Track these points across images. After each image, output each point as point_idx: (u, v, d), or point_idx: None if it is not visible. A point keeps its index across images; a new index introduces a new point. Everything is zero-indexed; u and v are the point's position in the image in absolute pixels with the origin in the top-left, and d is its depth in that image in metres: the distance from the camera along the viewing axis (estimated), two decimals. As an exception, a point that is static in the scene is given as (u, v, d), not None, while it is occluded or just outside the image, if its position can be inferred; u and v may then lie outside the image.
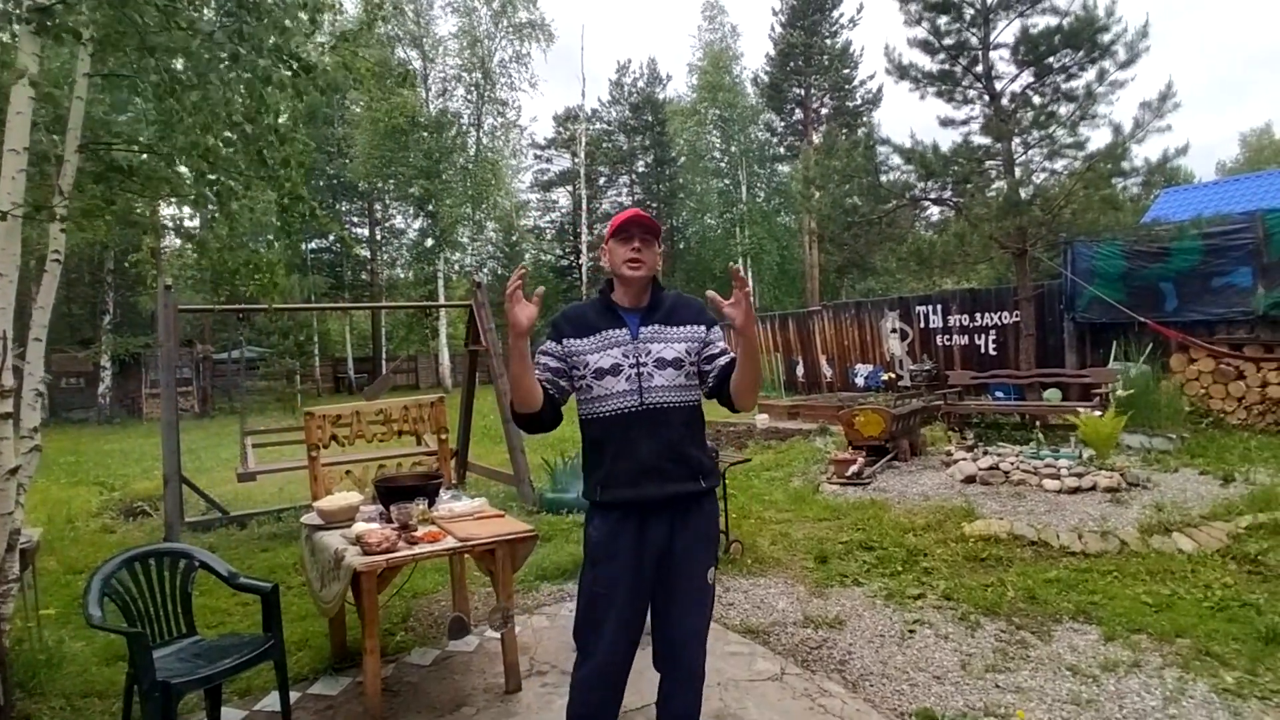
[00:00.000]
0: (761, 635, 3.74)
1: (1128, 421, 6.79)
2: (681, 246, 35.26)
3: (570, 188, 38.09)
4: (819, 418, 11.15)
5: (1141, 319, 8.97)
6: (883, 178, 9.86)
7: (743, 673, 3.28)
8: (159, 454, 6.26)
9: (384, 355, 29.61)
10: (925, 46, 9.38)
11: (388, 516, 3.08)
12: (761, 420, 11.83)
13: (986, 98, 9.31)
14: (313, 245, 30.51)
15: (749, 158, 28.22)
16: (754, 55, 61.44)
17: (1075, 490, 5.89)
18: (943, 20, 9.16)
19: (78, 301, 24.40)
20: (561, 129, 38.70)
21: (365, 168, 25.41)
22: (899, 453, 7.61)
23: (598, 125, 37.95)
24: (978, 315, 11.91)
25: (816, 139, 27.61)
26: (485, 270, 32.97)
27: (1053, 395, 9.06)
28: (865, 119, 27.59)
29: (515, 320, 1.98)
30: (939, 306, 12.52)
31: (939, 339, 12.53)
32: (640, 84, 37.84)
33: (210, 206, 4.55)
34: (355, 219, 32.74)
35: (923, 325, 12.80)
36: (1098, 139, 8.68)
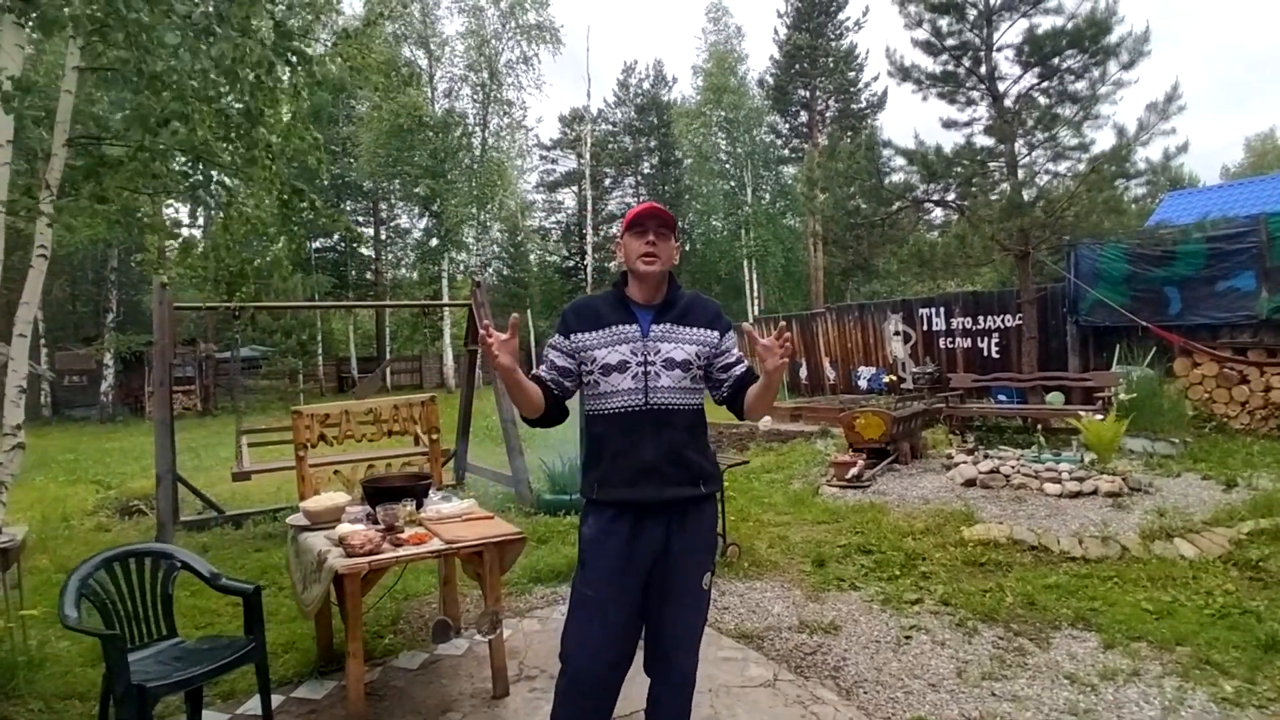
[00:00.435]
0: (755, 640, 3.69)
1: (1130, 425, 6.72)
2: (687, 248, 35.20)
3: (575, 189, 38.09)
4: (821, 420, 11.09)
5: (1144, 323, 8.88)
6: (885, 180, 9.79)
7: (735, 679, 3.23)
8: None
9: (388, 355, 29.60)
10: (927, 48, 9.31)
11: (375, 518, 3.03)
12: (764, 422, 11.76)
13: (990, 99, 9.24)
14: (317, 244, 30.53)
15: (754, 160, 28.12)
16: (759, 57, 61.52)
17: (1076, 495, 5.83)
18: (944, 22, 9.09)
19: (82, 299, 24.46)
20: (567, 130, 38.73)
21: (371, 167, 25.40)
22: (900, 455, 7.54)
23: (603, 126, 37.95)
24: (980, 318, 11.83)
25: (822, 141, 27.56)
26: (490, 270, 32.98)
27: (1055, 399, 8.98)
28: (870, 121, 27.55)
29: (501, 366, 1.97)
30: (942, 309, 12.44)
31: (942, 341, 12.45)
32: (646, 85, 37.89)
33: (209, 202, 4.51)
34: (360, 218, 32.73)
35: (925, 328, 12.72)
36: (1102, 140, 8.70)
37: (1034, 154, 9.16)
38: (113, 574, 2.77)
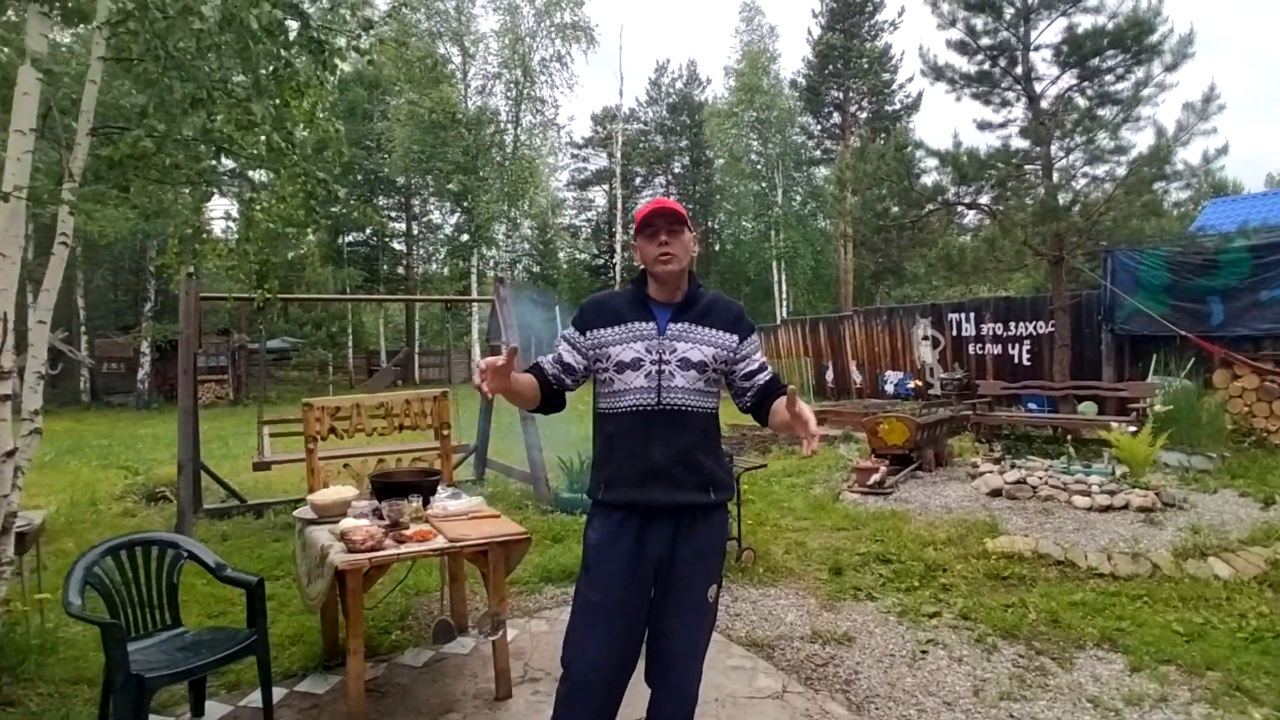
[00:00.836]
0: (766, 649, 3.61)
1: (1166, 439, 6.49)
2: (717, 249, 35.05)
3: (606, 187, 38.12)
4: (846, 424, 10.92)
5: (1184, 333, 8.59)
6: (916, 182, 9.59)
7: (742, 689, 3.15)
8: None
9: (417, 348, 29.89)
10: (961, 48, 9.11)
11: (380, 513, 3.00)
12: (787, 425, 11.62)
13: (1026, 100, 9.01)
14: (349, 238, 30.95)
15: (785, 161, 27.88)
16: (792, 57, 60.99)
17: (1106, 509, 5.63)
18: (980, 21, 8.88)
19: (121, 289, 25.09)
20: (599, 128, 38.77)
21: (404, 162, 25.66)
22: (923, 463, 7.38)
23: (635, 125, 37.94)
24: (1012, 324, 11.57)
25: (854, 143, 27.22)
26: (520, 267, 33.14)
27: (1088, 409, 8.73)
28: (903, 123, 27.12)
29: (498, 389, 1.94)
30: (972, 314, 12.20)
31: (971, 347, 12.21)
32: (679, 85, 37.79)
33: (234, 194, 4.53)
34: (393, 213, 33.09)
35: (955, 333, 12.48)
36: (1141, 143, 8.39)
37: (1071, 157, 8.92)
38: (119, 562, 2.78)
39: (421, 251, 33.85)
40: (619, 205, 31.02)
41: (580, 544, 5.38)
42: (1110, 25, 8.32)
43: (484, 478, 7.65)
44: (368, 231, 30.62)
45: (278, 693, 3.05)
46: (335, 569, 2.58)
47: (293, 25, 4.03)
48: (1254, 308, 8.46)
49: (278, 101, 3.87)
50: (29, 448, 3.32)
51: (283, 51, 3.91)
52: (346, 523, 2.78)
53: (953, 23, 9.03)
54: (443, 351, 29.89)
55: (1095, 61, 8.50)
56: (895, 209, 10.03)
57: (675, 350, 2.05)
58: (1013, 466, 6.79)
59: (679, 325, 2.09)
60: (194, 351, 6.04)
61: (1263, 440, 7.73)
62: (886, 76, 29.90)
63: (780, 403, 2.04)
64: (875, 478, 6.78)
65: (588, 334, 2.12)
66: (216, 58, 3.57)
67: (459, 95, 25.32)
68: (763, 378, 2.12)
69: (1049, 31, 8.86)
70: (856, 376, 14.94)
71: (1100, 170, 8.79)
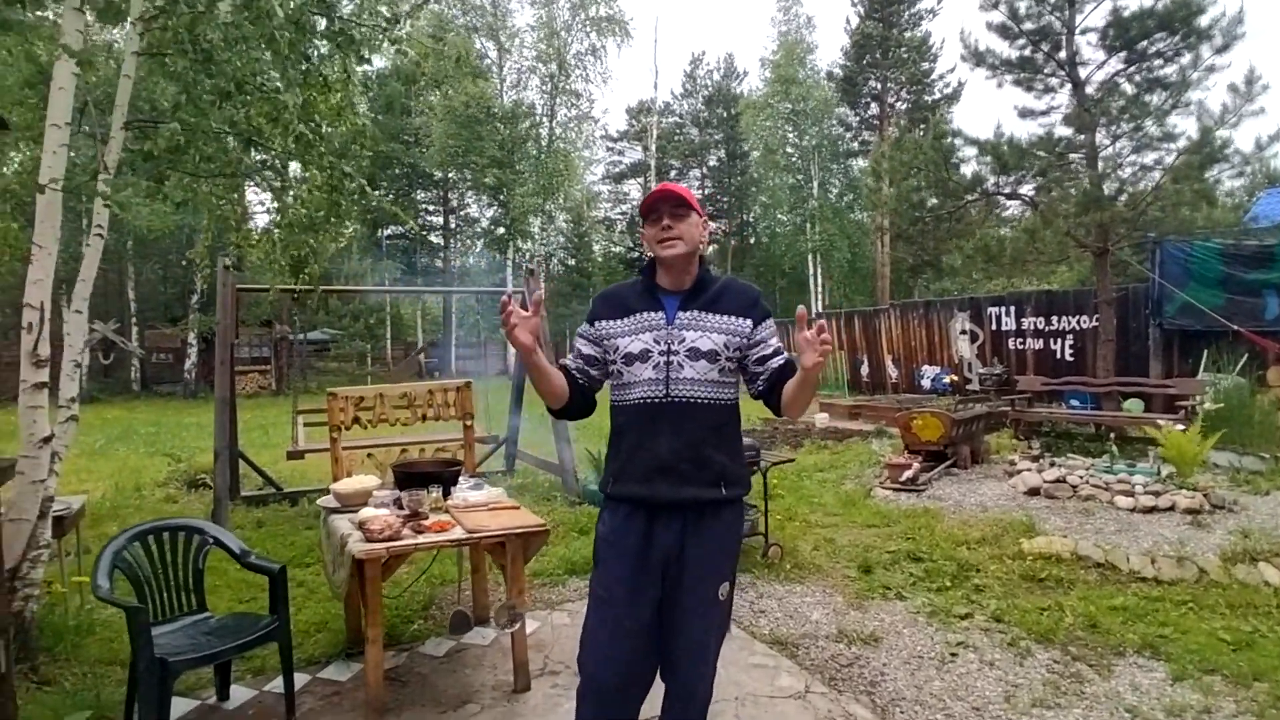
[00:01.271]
0: (790, 648, 3.54)
1: (1217, 438, 6.23)
2: (752, 241, 34.73)
3: (641, 180, 38.04)
4: (880, 419, 10.74)
5: (1236, 328, 8.25)
6: (954, 172, 9.35)
7: (764, 687, 3.09)
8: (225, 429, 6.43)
9: (453, 340, 30.23)
10: (1003, 31, 8.82)
11: (401, 502, 3.01)
12: (821, 419, 11.49)
13: (1070, 86, 8.70)
14: (388, 232, 31.38)
15: (821, 153, 27.47)
16: (830, 48, 59.92)
17: (1151, 510, 5.43)
18: (1023, 4, 8.58)
19: (170, 281, 25.80)
20: (634, 122, 38.69)
21: (440, 157, 25.91)
22: (959, 459, 7.21)
23: (670, 118, 37.78)
24: (1054, 318, 11.23)
25: (891, 134, 26.70)
26: (555, 260, 33.25)
27: (1133, 406, 8.44)
28: (942, 113, 26.52)
29: (519, 343, 1.89)
30: (1012, 308, 11.87)
31: (1011, 342, 11.90)
32: (716, 77, 37.53)
33: (264, 184, 4.61)
34: (431, 207, 33.48)
35: (994, 327, 12.17)
36: (1190, 128, 8.05)
37: (1117, 144, 8.60)
38: (146, 547, 2.83)
39: (459, 245, 34.20)
40: (653, 199, 30.92)
41: (604, 537, 5.37)
42: (1159, 7, 7.98)
43: (514, 469, 7.69)
44: (407, 225, 31.03)
45: (301, 678, 3.09)
46: (353, 558, 2.59)
47: (321, 21, 4.07)
48: (1313, 302, 8.09)
49: (306, 95, 3.90)
50: (65, 434, 3.41)
51: (311, 45, 3.94)
52: (365, 512, 2.80)
53: (995, 5, 8.76)
54: (479, 343, 30.18)
55: (1143, 45, 8.17)
56: (933, 200, 9.79)
57: (684, 340, 2.00)
58: (1052, 464, 6.59)
59: (688, 314, 2.03)
60: (231, 342, 6.16)
61: (1320, 440, 7.38)
62: (926, 66, 29.25)
63: (793, 378, 1.97)
64: (908, 474, 6.64)
65: (596, 325, 2.09)
66: (245, 49, 3.61)
67: (494, 90, 25.47)
68: (777, 362, 2.03)
69: (1094, 15, 8.55)
70: (892, 371, 14.67)
71: (1148, 158, 8.46)
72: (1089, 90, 8.66)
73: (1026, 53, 8.83)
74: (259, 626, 2.74)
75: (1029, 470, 6.46)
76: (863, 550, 4.96)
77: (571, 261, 35.74)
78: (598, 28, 25.84)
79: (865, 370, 15.43)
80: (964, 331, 12.69)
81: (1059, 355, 11.09)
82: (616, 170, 39.76)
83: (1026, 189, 9.22)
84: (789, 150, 27.71)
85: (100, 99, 3.87)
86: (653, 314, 2.04)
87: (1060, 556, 4.59)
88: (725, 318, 2.03)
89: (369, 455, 3.90)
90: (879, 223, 23.47)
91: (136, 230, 18.26)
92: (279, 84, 3.73)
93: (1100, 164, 8.54)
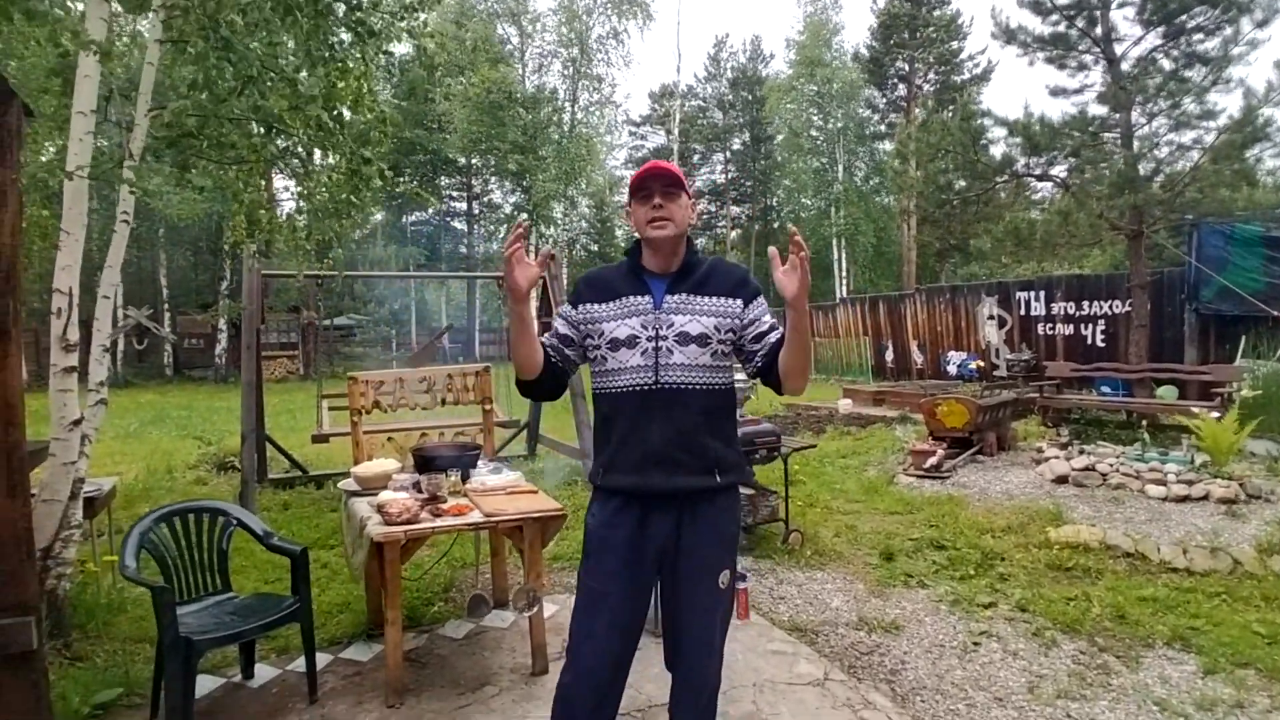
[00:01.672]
0: (809, 635, 3.52)
1: (1254, 426, 6.06)
2: (776, 226, 34.41)
3: (664, 165, 37.80)
4: (905, 405, 10.62)
5: (1277, 313, 8.00)
6: (983, 153, 9.13)
7: (782, 674, 3.08)
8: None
9: (477, 325, 30.42)
10: (1035, 7, 8.56)
11: (420, 486, 3.03)
12: (844, 405, 11.40)
13: (1104, 63, 8.45)
14: (412, 218, 31.57)
15: (847, 135, 27.09)
16: (857, 29, 58.99)
17: (1183, 499, 5.30)
18: (1057, -22, 8.35)
19: (201, 268, 26.25)
20: (656, 106, 38.42)
21: (463, 142, 25.95)
22: (984, 446, 7.10)
23: (693, 102, 37.44)
24: (1085, 303, 10.99)
25: (918, 115, 26.22)
26: (578, 245, 33.24)
27: (1167, 393, 8.24)
28: (970, 94, 25.95)
29: (514, 283, 1.83)
30: (1041, 293, 11.64)
31: (1040, 327, 11.68)
32: (741, 59, 37.07)
33: (288, 171, 4.63)
34: (454, 194, 33.59)
35: (1023, 312, 11.96)
36: (1231, 106, 7.75)
37: (1153, 123, 8.34)
38: (172, 528, 2.88)
39: (482, 230, 34.30)
40: (677, 183, 30.76)
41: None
42: (1201, -21, 7.71)
43: (536, 453, 7.72)
44: (430, 211, 31.20)
45: (323, 658, 3.13)
46: (372, 541, 2.61)
47: (340, 7, 4.07)
48: (1359, 286, 7.82)
49: (326, 80, 3.90)
50: (95, 417, 3.47)
51: (329, 32, 3.94)
52: (384, 495, 2.81)
53: (1027, -21, 8.53)
54: (503, 328, 30.32)
55: (1181, 19, 7.89)
56: (961, 182, 9.59)
57: (673, 324, 1.93)
58: (1081, 452, 6.47)
59: (676, 297, 1.96)
60: (257, 328, 6.24)
61: (1363, 429, 7.16)
62: (955, 45, 28.64)
63: (783, 347, 1.90)
64: (932, 461, 6.56)
65: (580, 308, 2.01)
66: (266, 34, 3.62)
67: (516, 75, 25.42)
68: (774, 337, 1.96)
69: (1132, -12, 8.28)
70: (917, 357, 14.50)
71: (1186, 137, 8.18)
72: (1124, 67, 8.40)
73: (1060, 28, 8.58)
74: (281, 607, 2.78)
75: (1057, 458, 6.35)
76: (885, 537, 4.92)
77: (595, 246, 35.72)
78: (619, 10, 25.62)
79: (890, 356, 15.27)
80: (991, 317, 12.49)
81: (1089, 341, 10.87)
82: (639, 155, 39.51)
83: (1058, 170, 8.99)
84: (814, 133, 27.36)
85: (125, 87, 3.90)
86: (639, 298, 1.96)
87: (1088, 546, 4.51)
88: (714, 299, 1.97)
89: (389, 439, 3.93)
90: (905, 206, 23.09)
91: (168, 218, 18.56)
92: (301, 63, 3.74)
93: (1135, 144, 8.30)
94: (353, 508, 3.04)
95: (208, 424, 11.72)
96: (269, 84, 3.66)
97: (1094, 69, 8.64)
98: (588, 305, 2.00)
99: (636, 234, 2.01)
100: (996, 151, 9.19)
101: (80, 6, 3.70)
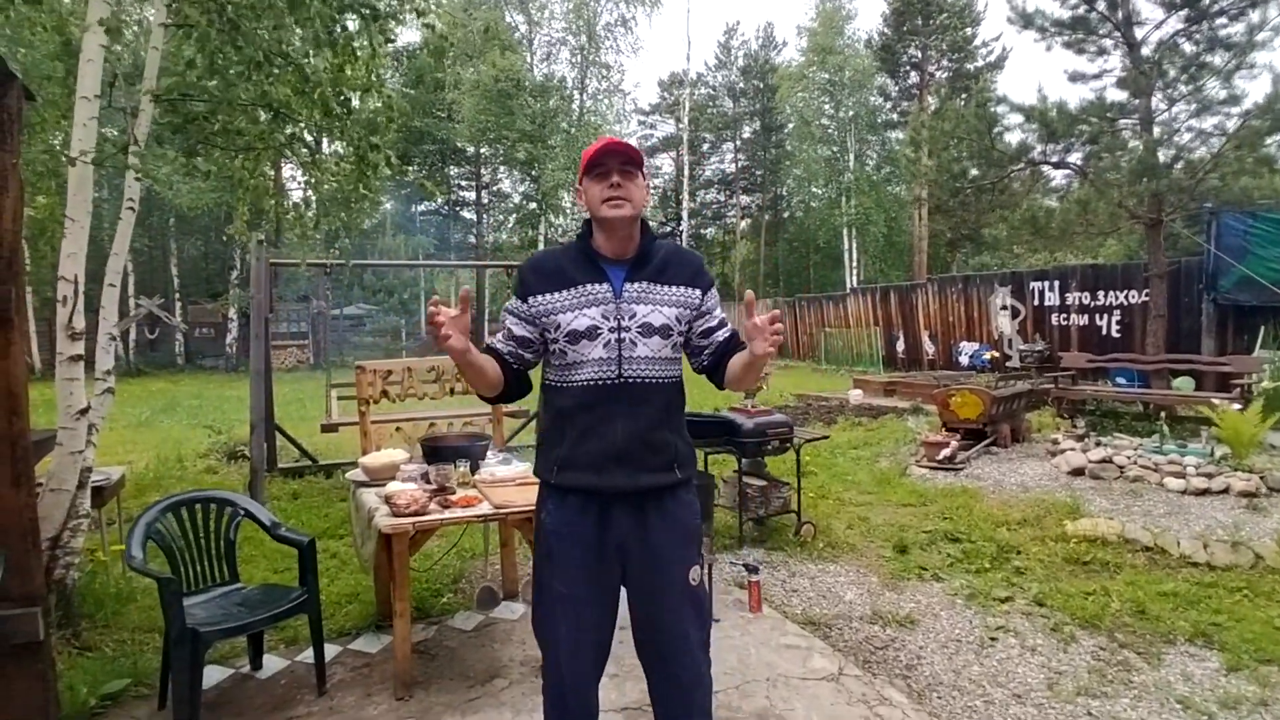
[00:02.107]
0: (823, 628, 3.47)
1: (1276, 418, 5.95)
2: (786, 216, 34.20)
3: (673, 154, 37.62)
4: (917, 396, 10.54)
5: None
6: (997, 140, 8.99)
7: (796, 669, 3.03)
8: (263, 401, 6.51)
9: (486, 315, 30.44)
10: (1054, -9, 8.42)
11: (429, 477, 2.99)
12: (855, 395, 11.32)
13: (1124, 47, 8.28)
14: (421, 207, 31.53)
15: (858, 124, 26.82)
16: (869, 16, 58.18)
17: (1203, 492, 5.22)
18: (1077, -39, 8.18)
19: (211, 258, 26.34)
20: (665, 94, 38.18)
21: (471, 131, 25.85)
22: (999, 438, 7.02)
23: (703, 90, 37.17)
24: (1100, 293, 10.86)
25: (931, 103, 25.92)
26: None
27: (1184, 384, 8.12)
28: (985, 81, 25.62)
29: (450, 347, 1.71)
30: (1056, 283, 11.51)
31: (1054, 318, 11.55)
32: (753, 47, 36.76)
33: (296, 158, 4.60)
34: (464, 183, 33.52)
35: (1036, 302, 11.83)
36: (1255, 92, 7.58)
37: (1174, 109, 8.18)
38: (179, 518, 2.85)
39: (491, 220, 34.23)
40: (686, 172, 30.60)
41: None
42: (1226, -38, 7.54)
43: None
44: (439, 201, 31.18)
45: (332, 650, 3.11)
46: (380, 532, 2.57)
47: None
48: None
49: (333, 63, 3.85)
50: (102, 406, 3.44)
51: (335, 16, 3.88)
52: (392, 486, 2.77)
53: (1046, -36, 8.36)
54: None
55: (1205, 3, 7.72)
56: (975, 170, 9.45)
57: (635, 315, 1.83)
58: (1097, 444, 6.38)
59: (637, 285, 1.86)
60: (265, 316, 6.21)
61: (1387, 421, 7.03)
62: (968, 32, 28.28)
63: (739, 356, 1.86)
64: (945, 452, 6.49)
65: (530, 301, 1.87)
66: (273, 18, 3.56)
67: (524, 63, 25.26)
68: (722, 334, 1.92)
69: (1153, -28, 8.10)
70: (929, 348, 14.39)
71: (1207, 123, 8.02)
72: (1145, 51, 8.23)
73: (1080, 12, 8.41)
74: (289, 598, 2.75)
75: (1073, 450, 6.26)
76: (898, 530, 4.86)
77: (603, 237, 35.59)
78: (627, -4, 25.42)
79: (901, 346, 15.17)
80: (1005, 307, 12.36)
81: (1105, 331, 10.74)
82: (648, 144, 39.31)
83: (1075, 157, 8.84)
84: (825, 122, 27.12)
85: (129, 72, 3.86)
86: (597, 285, 1.85)
87: (1106, 539, 4.44)
88: (675, 289, 1.88)
89: (397, 429, 3.89)
90: (917, 195, 22.88)
91: (178, 208, 18.59)
92: (308, 46, 3.68)
93: (1155, 130, 8.14)
94: (361, 498, 3.00)
95: (218, 413, 11.76)
96: (276, 69, 3.61)
97: (1114, 53, 8.48)
98: (539, 297, 1.87)
99: (588, 213, 1.89)
100: (1012, 139, 9.05)
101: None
